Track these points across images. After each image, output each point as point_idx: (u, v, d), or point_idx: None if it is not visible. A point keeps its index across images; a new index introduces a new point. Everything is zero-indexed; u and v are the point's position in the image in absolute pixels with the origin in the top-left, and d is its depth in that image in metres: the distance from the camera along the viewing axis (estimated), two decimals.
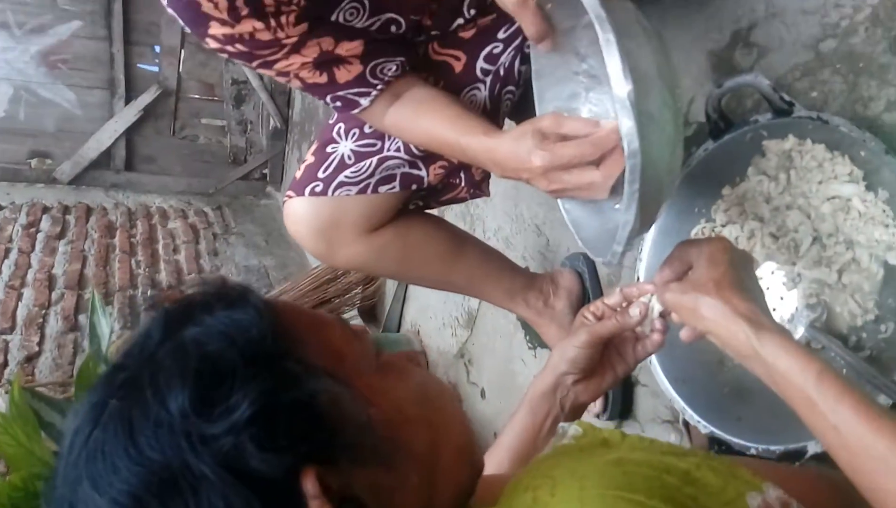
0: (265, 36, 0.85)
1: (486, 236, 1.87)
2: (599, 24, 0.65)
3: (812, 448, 0.79)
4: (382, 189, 1.10)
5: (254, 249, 3.88)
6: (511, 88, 1.07)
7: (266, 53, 0.88)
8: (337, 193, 1.09)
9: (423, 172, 1.11)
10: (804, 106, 0.89)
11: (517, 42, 1.04)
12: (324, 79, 0.93)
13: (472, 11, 1.01)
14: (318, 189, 1.10)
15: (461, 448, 0.54)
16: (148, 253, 3.62)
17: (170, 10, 0.84)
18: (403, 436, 0.50)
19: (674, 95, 0.70)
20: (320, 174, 1.10)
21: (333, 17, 0.91)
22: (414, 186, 1.13)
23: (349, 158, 1.09)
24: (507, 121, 1.14)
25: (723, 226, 0.98)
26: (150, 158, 4.36)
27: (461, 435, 0.55)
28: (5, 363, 2.64)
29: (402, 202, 1.15)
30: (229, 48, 0.87)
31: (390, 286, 2.57)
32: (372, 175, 1.09)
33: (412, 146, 1.07)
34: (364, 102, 0.96)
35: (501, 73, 1.05)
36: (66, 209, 3.89)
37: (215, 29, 0.84)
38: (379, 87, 0.95)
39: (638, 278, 1.06)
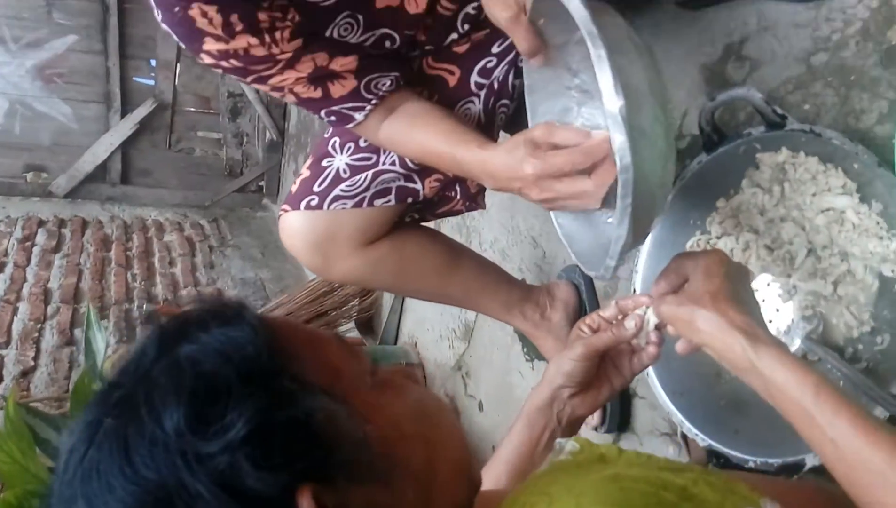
0: (260, 51, 0.86)
1: (483, 248, 1.87)
2: (591, 40, 0.65)
3: (810, 461, 0.79)
4: (378, 203, 1.10)
5: (250, 261, 3.88)
6: (505, 101, 1.07)
7: (261, 69, 0.88)
8: (332, 206, 1.09)
9: (418, 186, 1.11)
10: (797, 119, 0.90)
11: (511, 56, 1.04)
12: (318, 94, 0.94)
13: (466, 26, 1.02)
14: (313, 203, 1.10)
15: (458, 464, 0.54)
16: (144, 266, 3.61)
17: (164, 26, 0.84)
18: (400, 453, 0.49)
19: (665, 110, 0.71)
20: (316, 188, 1.10)
21: (328, 33, 0.91)
22: (409, 200, 1.13)
23: (344, 171, 1.10)
24: (501, 134, 1.15)
25: (718, 238, 0.98)
26: (146, 171, 4.37)
27: (458, 452, 0.55)
28: (1, 378, 2.63)
29: (398, 215, 1.15)
30: (224, 63, 0.87)
31: (387, 299, 2.56)
32: (367, 189, 1.09)
33: (407, 160, 1.07)
34: (358, 116, 0.97)
35: (495, 86, 1.05)
36: (61, 223, 3.89)
37: (210, 45, 0.84)
38: (373, 101, 0.96)
39: (634, 291, 1.06)
